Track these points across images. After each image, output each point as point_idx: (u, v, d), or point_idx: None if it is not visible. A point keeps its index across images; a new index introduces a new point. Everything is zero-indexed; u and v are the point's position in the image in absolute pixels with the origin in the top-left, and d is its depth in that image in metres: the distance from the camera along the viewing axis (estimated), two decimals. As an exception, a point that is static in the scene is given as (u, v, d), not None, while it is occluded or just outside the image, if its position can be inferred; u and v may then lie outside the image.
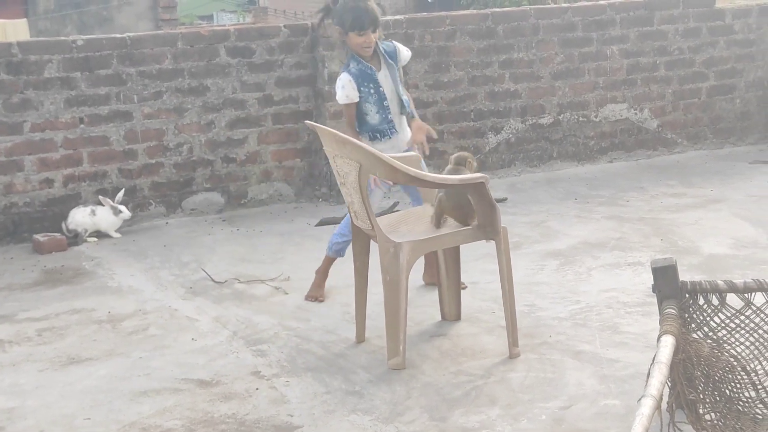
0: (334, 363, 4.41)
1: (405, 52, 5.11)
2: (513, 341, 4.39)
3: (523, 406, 3.93)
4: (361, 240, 4.56)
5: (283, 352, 4.54)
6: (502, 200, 6.96)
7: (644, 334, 4.54)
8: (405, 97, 5.06)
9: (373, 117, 5.00)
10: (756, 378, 3.80)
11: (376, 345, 4.56)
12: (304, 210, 7.03)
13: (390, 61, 5.02)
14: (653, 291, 3.87)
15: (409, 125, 5.10)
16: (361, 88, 4.94)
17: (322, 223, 6.60)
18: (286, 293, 5.32)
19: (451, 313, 4.81)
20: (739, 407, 3.75)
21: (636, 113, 8.20)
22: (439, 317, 4.86)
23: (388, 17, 7.86)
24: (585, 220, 6.55)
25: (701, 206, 6.76)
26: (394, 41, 5.17)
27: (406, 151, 4.96)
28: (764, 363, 3.82)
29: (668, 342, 3.46)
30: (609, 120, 8.12)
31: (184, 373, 4.36)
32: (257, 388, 4.17)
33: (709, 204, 6.81)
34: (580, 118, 8.03)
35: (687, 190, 7.22)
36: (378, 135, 5.02)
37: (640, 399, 3.05)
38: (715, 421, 3.66)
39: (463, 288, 4.98)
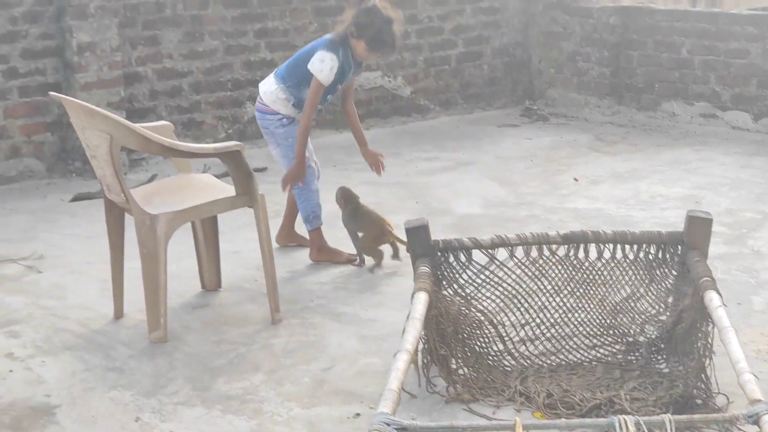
0: (93, 340, 4.31)
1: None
2: (275, 307, 4.44)
3: (285, 371, 3.99)
4: (115, 213, 4.45)
5: (38, 332, 4.39)
6: (262, 170, 6.96)
7: (401, 293, 4.68)
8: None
9: None
10: (503, 330, 4.02)
11: (136, 319, 4.48)
12: (58, 186, 6.78)
13: (356, 68, 5.10)
14: (407, 251, 4.01)
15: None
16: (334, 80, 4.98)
17: (76, 199, 6.40)
18: (40, 272, 5.13)
19: (212, 282, 4.80)
20: (489, 362, 3.95)
21: (390, 81, 8.40)
22: (200, 288, 4.83)
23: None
24: (344, 186, 6.65)
25: (453, 169, 7.03)
26: None
27: None
28: (510, 315, 4.05)
29: (421, 298, 3.60)
30: (364, 88, 8.27)
31: (-71, 361, 4.14)
32: (11, 370, 4.02)
33: (461, 167, 7.09)
34: (337, 86, 8.14)
35: (440, 154, 7.48)
36: (298, 108, 5.10)
37: (395, 354, 3.17)
38: (468, 375, 3.85)
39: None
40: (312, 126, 5.15)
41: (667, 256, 3.94)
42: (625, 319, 4.00)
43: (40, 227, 5.88)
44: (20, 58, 6.79)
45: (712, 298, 3.43)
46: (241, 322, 4.48)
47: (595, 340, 4.01)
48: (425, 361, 3.78)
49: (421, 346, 3.72)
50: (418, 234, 3.96)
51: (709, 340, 3.52)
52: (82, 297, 4.78)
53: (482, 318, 3.99)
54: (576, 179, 6.64)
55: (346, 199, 5.22)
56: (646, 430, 2.59)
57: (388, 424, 2.63)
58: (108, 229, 4.49)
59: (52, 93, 4.56)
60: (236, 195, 4.37)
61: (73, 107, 4.18)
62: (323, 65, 4.92)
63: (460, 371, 3.85)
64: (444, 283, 3.99)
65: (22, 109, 6.85)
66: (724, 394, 3.52)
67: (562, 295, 4.03)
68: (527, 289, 4.04)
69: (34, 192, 6.66)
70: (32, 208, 6.28)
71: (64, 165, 7.01)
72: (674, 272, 3.94)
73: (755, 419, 2.61)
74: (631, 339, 3.98)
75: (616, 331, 4.01)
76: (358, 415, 3.61)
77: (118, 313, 4.52)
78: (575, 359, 3.94)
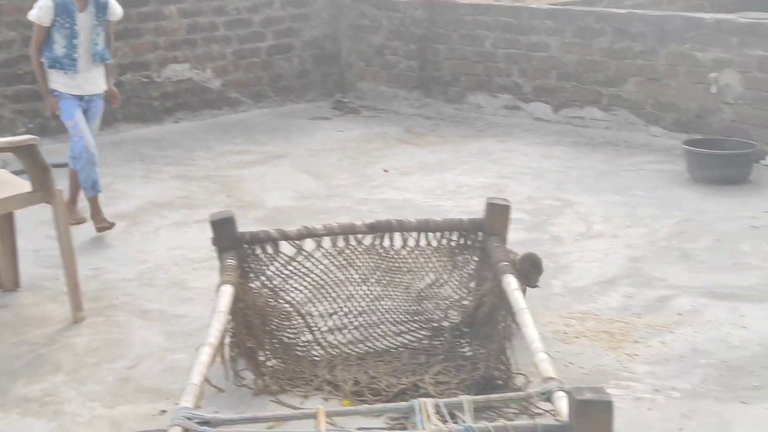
0: None
1: (117, 9, 5.48)
2: (76, 306, 4.31)
3: (88, 370, 3.88)
4: None
5: None
6: (63, 165, 6.73)
7: (210, 288, 4.58)
8: (100, 48, 5.41)
9: (60, 48, 5.31)
10: (311, 320, 4.03)
11: (-73, 323, 4.27)
12: None
13: (96, 10, 5.34)
14: (213, 244, 3.96)
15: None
16: (58, 18, 5.24)
17: None
18: None
19: (10, 281, 4.62)
20: (298, 352, 3.95)
21: (199, 73, 8.28)
22: (-3, 288, 4.65)
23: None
24: (152, 180, 6.54)
25: (265, 162, 6.99)
26: None
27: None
28: (318, 305, 4.06)
29: (227, 291, 3.57)
30: (172, 80, 8.13)
31: None
32: None
33: (273, 159, 7.06)
34: (143, 79, 7.96)
35: (251, 147, 7.43)
36: (57, 65, 5.34)
37: (198, 348, 3.12)
38: (276, 367, 3.83)
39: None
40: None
41: (469, 242, 4.04)
42: (429, 306, 4.08)
43: None
44: None
45: (509, 282, 3.53)
46: (41, 322, 4.33)
47: (401, 327, 4.06)
48: (232, 354, 3.74)
49: (228, 340, 3.69)
50: (223, 227, 3.91)
51: (509, 323, 3.62)
52: None
53: (290, 309, 3.99)
54: (386, 171, 6.72)
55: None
56: (445, 411, 2.64)
57: (190, 419, 2.59)
58: None
59: None
60: (32, 191, 4.21)
61: None
62: (34, 7, 5.32)
63: (269, 363, 3.83)
64: (251, 275, 3.97)
65: None
66: (523, 375, 3.64)
67: (368, 284, 4.07)
68: (335, 279, 4.06)
69: None
70: None
71: None
72: (476, 258, 4.03)
73: (548, 396, 2.70)
74: (435, 324, 4.06)
75: (421, 317, 4.08)
76: (163, 411, 3.54)
77: None
78: (382, 346, 3.98)
